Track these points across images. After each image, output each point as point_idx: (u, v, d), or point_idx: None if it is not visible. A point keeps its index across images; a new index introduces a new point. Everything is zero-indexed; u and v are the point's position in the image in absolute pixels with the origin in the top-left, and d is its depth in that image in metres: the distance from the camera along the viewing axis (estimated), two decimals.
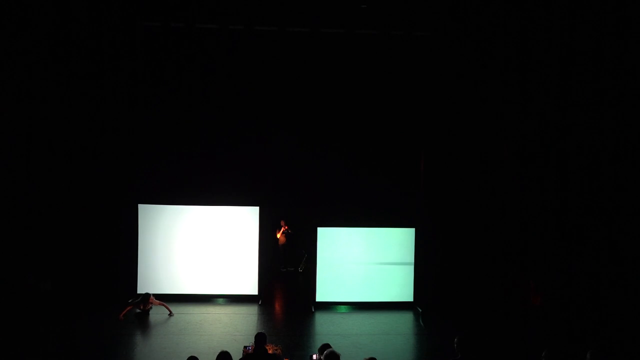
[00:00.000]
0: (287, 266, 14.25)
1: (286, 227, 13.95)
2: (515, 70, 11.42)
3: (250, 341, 7.12)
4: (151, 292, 11.10)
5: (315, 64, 12.38)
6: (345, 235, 11.24)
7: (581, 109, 10.55)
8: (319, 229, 11.14)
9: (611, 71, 9.98)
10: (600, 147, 10.27)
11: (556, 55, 10.78)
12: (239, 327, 9.98)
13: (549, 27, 10.84)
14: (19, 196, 10.91)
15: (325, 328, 10.08)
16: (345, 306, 11.25)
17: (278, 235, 13.96)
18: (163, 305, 10.55)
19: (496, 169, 11.81)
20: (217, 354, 6.04)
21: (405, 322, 10.64)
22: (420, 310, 10.98)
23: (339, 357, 5.81)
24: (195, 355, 6.00)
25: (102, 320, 10.00)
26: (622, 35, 9.77)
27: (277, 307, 11.83)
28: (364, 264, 11.25)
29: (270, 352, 6.84)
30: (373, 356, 6.02)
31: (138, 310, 10.47)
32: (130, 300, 10.52)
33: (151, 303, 10.51)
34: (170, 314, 10.48)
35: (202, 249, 11.42)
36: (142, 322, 10.20)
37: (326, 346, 6.46)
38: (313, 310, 11.06)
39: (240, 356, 6.91)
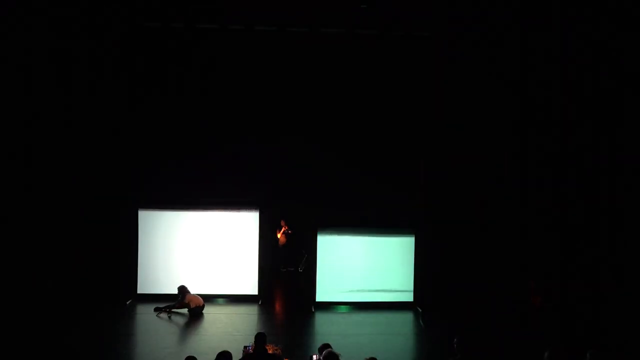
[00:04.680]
0: (287, 266, 14.25)
1: (286, 227, 13.94)
2: (516, 72, 11.41)
3: (250, 341, 7.11)
4: (151, 292, 11.14)
5: (315, 64, 12.37)
6: (345, 235, 11.25)
7: (581, 110, 10.54)
8: (319, 234, 11.14)
9: (614, 73, 9.98)
10: (600, 148, 10.27)
11: (558, 57, 10.77)
12: (239, 327, 9.98)
13: (550, 28, 10.83)
14: (20, 197, 10.90)
15: (325, 328, 10.08)
16: (345, 306, 11.25)
17: (278, 235, 13.95)
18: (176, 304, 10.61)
19: (496, 169, 11.80)
20: (217, 354, 6.04)
21: (405, 322, 10.64)
22: (420, 310, 10.98)
23: (338, 357, 5.81)
24: (195, 355, 6.00)
25: (103, 321, 10.00)
26: (623, 36, 9.76)
27: (277, 307, 11.83)
28: (364, 264, 11.25)
29: (270, 352, 6.84)
30: (373, 356, 6.02)
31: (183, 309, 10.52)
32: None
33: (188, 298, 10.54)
34: (167, 312, 10.51)
35: (202, 249, 11.43)
36: (142, 322, 10.21)
37: (326, 346, 6.47)
38: (313, 310, 11.06)
39: (240, 356, 6.91)
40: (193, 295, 10.65)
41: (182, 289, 10.65)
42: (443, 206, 12.16)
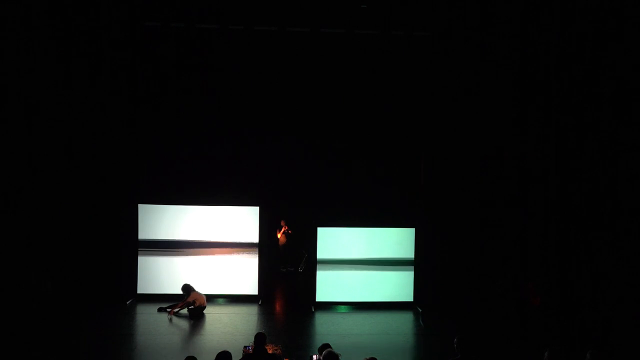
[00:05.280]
0: (287, 266, 14.25)
1: (286, 227, 13.95)
2: (516, 72, 11.42)
3: (250, 341, 7.12)
4: (151, 292, 11.13)
5: (315, 64, 12.38)
6: (345, 236, 11.25)
7: (581, 110, 10.54)
8: (319, 229, 11.14)
9: (612, 73, 9.98)
10: (599, 149, 10.27)
11: (557, 57, 10.78)
12: (239, 327, 9.98)
13: (549, 28, 10.84)
14: (19, 196, 10.90)
15: (325, 328, 10.08)
16: (345, 306, 11.25)
17: (278, 235, 13.96)
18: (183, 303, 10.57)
19: (496, 169, 11.81)
20: (217, 354, 6.04)
21: (405, 322, 10.64)
22: (420, 310, 10.99)
23: (338, 357, 5.81)
24: (195, 355, 6.00)
25: (102, 321, 9.99)
26: (622, 37, 9.77)
27: (277, 307, 11.84)
28: (364, 263, 11.25)
29: (270, 352, 6.85)
30: (373, 356, 6.02)
31: (191, 307, 10.46)
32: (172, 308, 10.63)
33: (193, 296, 10.49)
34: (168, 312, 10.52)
35: (202, 249, 11.43)
36: (142, 322, 10.20)
37: (326, 346, 6.47)
38: (313, 310, 11.06)
39: (240, 356, 6.91)
40: (198, 293, 10.62)
41: (187, 287, 10.61)
42: (443, 206, 12.18)
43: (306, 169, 13.12)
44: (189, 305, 10.49)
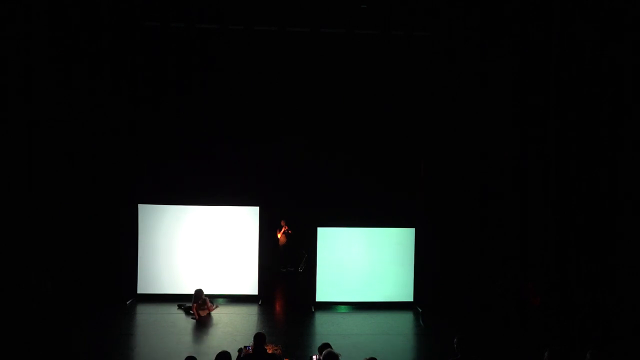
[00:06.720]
0: (287, 266, 14.25)
1: (286, 227, 13.94)
2: (516, 72, 11.41)
3: (250, 341, 7.11)
4: (151, 292, 11.13)
5: (315, 64, 12.37)
6: (345, 236, 11.25)
7: (581, 110, 10.54)
8: (319, 229, 11.14)
9: (612, 73, 9.98)
10: (599, 148, 10.28)
11: (557, 57, 10.78)
12: (239, 327, 9.98)
13: (549, 28, 10.84)
14: (19, 196, 10.90)
15: (325, 328, 10.08)
16: (345, 306, 11.25)
17: (278, 236, 13.95)
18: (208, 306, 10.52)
19: (496, 169, 11.81)
20: (216, 354, 6.04)
21: (405, 322, 10.64)
22: (420, 310, 10.98)
23: (338, 357, 5.81)
24: (195, 355, 6.00)
25: (102, 321, 10.00)
26: (622, 37, 9.77)
27: (277, 307, 11.83)
28: (364, 263, 11.25)
29: (270, 352, 6.84)
30: (373, 356, 6.02)
31: (191, 312, 10.37)
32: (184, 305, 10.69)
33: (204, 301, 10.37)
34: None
35: (202, 249, 11.43)
36: (142, 322, 10.21)
37: (326, 346, 6.47)
38: (313, 310, 11.06)
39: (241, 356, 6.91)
40: (202, 306, 10.42)
41: (198, 294, 10.42)
42: (443, 206, 12.17)
43: (306, 169, 13.10)
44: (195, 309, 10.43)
